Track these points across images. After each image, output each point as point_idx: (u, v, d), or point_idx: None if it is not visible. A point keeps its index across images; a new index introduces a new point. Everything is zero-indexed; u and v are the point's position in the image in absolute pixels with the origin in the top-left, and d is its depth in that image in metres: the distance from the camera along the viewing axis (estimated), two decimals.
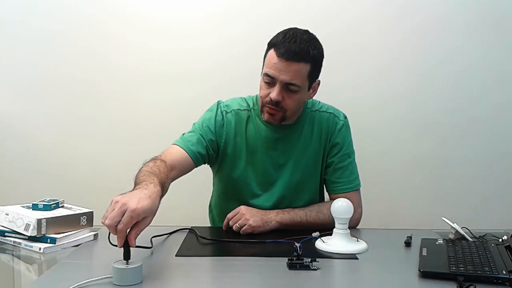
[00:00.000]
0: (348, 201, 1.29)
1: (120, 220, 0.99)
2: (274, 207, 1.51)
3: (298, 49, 1.35)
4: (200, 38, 1.97)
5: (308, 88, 1.45)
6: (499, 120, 2.02)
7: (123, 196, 1.04)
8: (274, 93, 1.38)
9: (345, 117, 1.57)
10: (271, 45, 1.40)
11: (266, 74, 1.39)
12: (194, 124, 1.55)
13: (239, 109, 1.54)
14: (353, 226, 1.50)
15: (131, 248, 1.03)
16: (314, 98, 1.56)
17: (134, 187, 1.14)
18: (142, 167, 1.27)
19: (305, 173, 1.54)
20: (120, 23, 1.95)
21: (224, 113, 1.52)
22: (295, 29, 1.41)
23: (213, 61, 1.97)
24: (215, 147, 1.51)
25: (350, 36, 1.97)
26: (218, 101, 1.56)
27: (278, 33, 1.41)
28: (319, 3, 1.96)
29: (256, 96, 1.56)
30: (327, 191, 1.61)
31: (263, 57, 1.45)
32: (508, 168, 2.04)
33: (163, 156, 1.39)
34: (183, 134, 1.52)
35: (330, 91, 1.94)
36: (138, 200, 1.02)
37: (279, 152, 1.52)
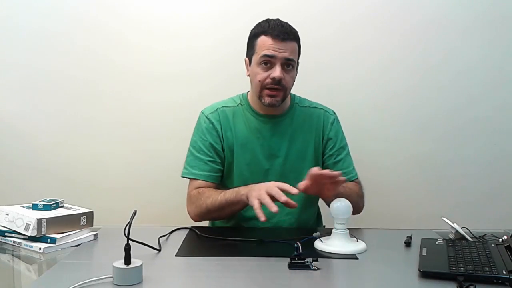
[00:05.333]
0: (347, 201, 1.29)
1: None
2: None
3: (288, 30, 1.47)
4: (200, 38, 1.96)
5: (296, 67, 1.53)
6: (499, 120, 2.02)
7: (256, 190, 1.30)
8: (276, 72, 1.45)
9: (334, 113, 1.65)
10: (259, 33, 1.48)
11: (265, 55, 1.45)
12: (190, 146, 1.59)
13: (224, 106, 1.59)
14: (357, 212, 1.53)
15: (131, 249, 1.03)
16: (303, 96, 1.64)
17: (234, 198, 1.39)
18: (216, 198, 1.45)
19: (297, 163, 1.57)
20: (120, 23, 1.95)
21: (209, 116, 1.57)
22: (270, 19, 1.51)
23: (213, 61, 1.97)
24: (221, 149, 1.56)
25: (350, 36, 1.97)
26: (201, 111, 1.61)
27: (259, 24, 1.50)
28: (319, 3, 1.96)
29: (243, 94, 1.62)
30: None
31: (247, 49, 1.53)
32: (508, 168, 2.03)
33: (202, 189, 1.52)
34: (188, 162, 1.57)
35: (330, 91, 1.96)
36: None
37: (271, 142, 1.57)
